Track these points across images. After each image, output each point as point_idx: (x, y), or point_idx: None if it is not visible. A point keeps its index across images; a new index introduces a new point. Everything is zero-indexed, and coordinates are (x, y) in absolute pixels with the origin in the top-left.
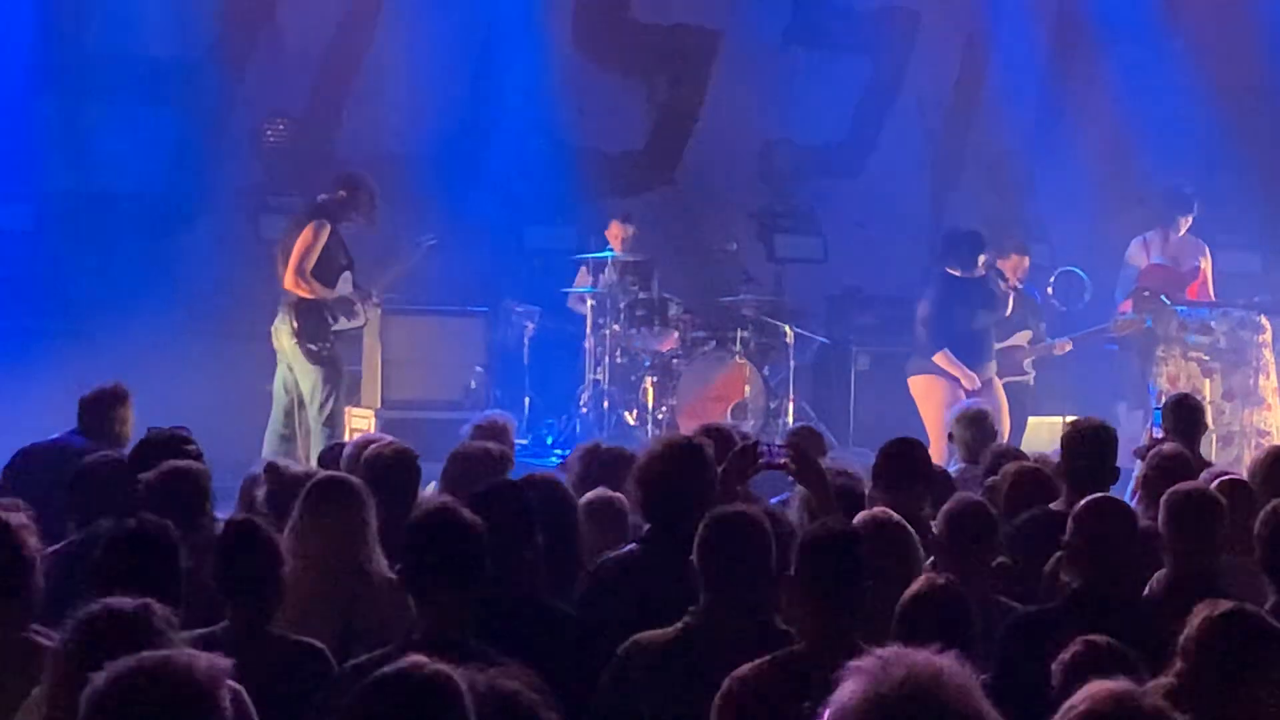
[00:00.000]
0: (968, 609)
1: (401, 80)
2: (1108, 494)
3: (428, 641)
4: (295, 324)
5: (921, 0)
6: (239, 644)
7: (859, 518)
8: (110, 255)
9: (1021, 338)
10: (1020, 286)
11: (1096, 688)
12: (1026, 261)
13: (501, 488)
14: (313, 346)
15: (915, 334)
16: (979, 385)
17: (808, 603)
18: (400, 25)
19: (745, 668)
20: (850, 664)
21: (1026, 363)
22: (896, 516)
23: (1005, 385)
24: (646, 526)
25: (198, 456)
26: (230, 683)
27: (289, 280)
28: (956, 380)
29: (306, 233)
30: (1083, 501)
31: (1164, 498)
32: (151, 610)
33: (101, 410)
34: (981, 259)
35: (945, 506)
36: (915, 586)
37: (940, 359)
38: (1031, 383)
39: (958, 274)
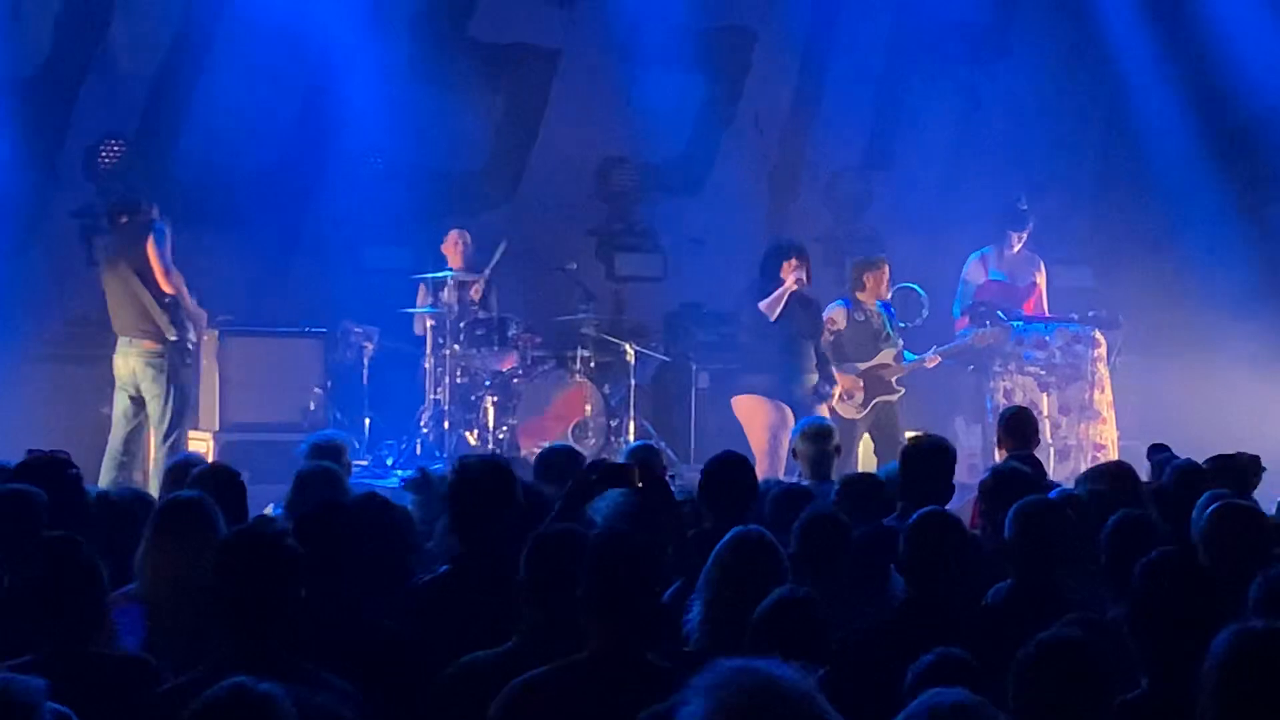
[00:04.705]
0: (822, 621)
1: (236, 101)
2: (937, 508)
3: (239, 661)
4: (167, 330)
5: (757, 18)
6: (55, 666)
7: (730, 536)
8: None
9: (886, 355)
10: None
11: (936, 698)
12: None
13: (320, 510)
14: (178, 353)
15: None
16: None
17: (594, 615)
18: (234, 45)
19: (528, 675)
20: (692, 681)
21: (894, 380)
22: (768, 535)
23: (876, 404)
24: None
25: (78, 479)
26: (54, 705)
27: (162, 281)
28: (780, 402)
29: (153, 240)
30: (913, 517)
31: (1011, 510)
32: None
33: None
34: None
35: (800, 519)
36: (770, 599)
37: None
38: (897, 400)
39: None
